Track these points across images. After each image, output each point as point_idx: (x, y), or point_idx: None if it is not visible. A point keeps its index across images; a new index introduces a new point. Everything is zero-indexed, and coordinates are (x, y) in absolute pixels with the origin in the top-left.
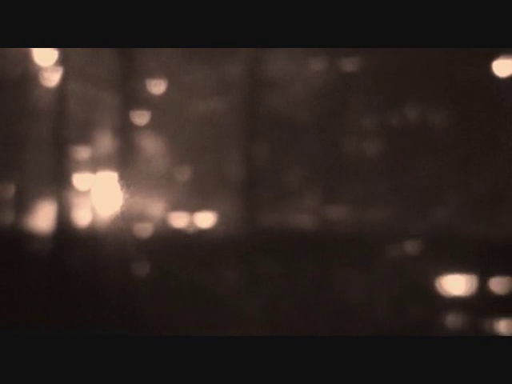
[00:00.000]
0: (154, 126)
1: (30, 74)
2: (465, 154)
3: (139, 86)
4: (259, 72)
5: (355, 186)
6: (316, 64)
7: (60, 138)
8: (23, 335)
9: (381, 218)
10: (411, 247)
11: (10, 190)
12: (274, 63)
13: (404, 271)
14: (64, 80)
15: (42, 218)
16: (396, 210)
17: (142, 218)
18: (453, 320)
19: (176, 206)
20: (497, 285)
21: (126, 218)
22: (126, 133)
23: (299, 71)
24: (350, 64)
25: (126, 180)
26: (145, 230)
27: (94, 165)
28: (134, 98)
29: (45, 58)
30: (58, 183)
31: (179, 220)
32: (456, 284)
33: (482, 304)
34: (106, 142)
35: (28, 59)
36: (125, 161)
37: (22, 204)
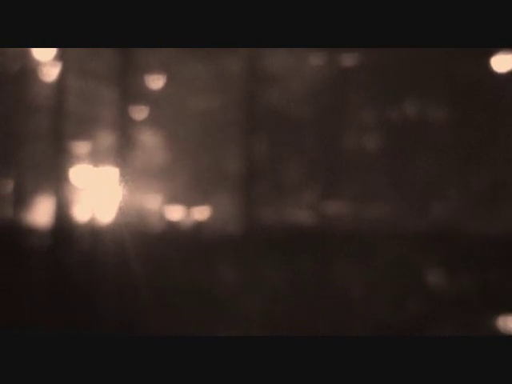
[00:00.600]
0: (152, 121)
1: (29, 69)
2: (464, 150)
3: (138, 81)
4: (258, 68)
5: (354, 182)
6: (315, 60)
7: (58, 133)
8: (21, 332)
9: (380, 214)
10: (410, 243)
11: (9, 186)
12: (273, 59)
13: (403, 267)
14: (63, 75)
15: (41, 213)
16: (395, 206)
17: (140, 213)
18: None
19: (174, 201)
20: None
21: (125, 213)
22: (124, 128)
23: (298, 67)
24: (349, 60)
25: (125, 175)
26: (142, 225)
27: (93, 160)
28: (133, 93)
29: (43, 53)
30: (56, 178)
31: (177, 214)
32: None
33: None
34: (104, 137)
35: (27, 55)
36: (123, 155)
37: (21, 199)
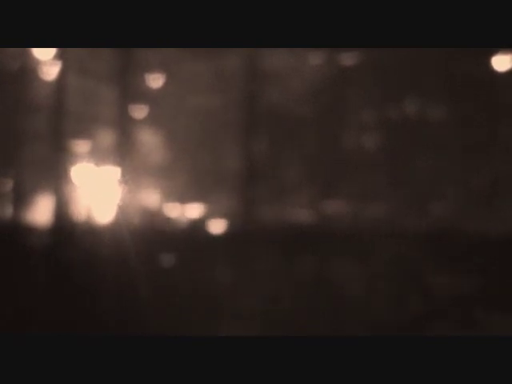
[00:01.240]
0: (152, 120)
1: (29, 68)
2: (464, 150)
3: (138, 80)
4: (258, 67)
5: (354, 181)
6: (315, 59)
7: (58, 131)
8: (21, 331)
9: (379, 214)
10: (409, 242)
11: (9, 184)
12: (273, 59)
13: (402, 266)
14: (63, 74)
15: (41, 211)
16: (395, 205)
17: (139, 211)
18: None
19: (173, 200)
20: None
21: (125, 211)
22: (124, 127)
23: (298, 66)
24: (348, 59)
25: (125, 174)
26: (142, 223)
27: (93, 158)
28: (133, 92)
29: (43, 52)
30: (55, 177)
31: (176, 213)
32: None
33: None
34: (104, 135)
35: (27, 53)
36: (123, 154)
37: (21, 198)
